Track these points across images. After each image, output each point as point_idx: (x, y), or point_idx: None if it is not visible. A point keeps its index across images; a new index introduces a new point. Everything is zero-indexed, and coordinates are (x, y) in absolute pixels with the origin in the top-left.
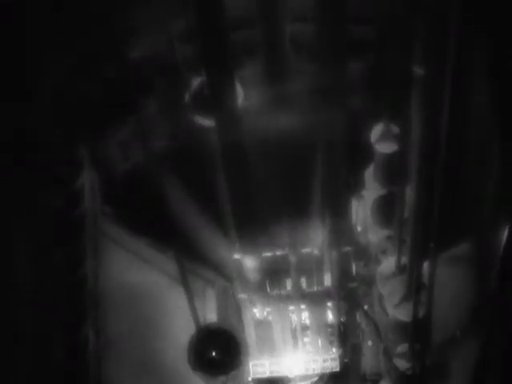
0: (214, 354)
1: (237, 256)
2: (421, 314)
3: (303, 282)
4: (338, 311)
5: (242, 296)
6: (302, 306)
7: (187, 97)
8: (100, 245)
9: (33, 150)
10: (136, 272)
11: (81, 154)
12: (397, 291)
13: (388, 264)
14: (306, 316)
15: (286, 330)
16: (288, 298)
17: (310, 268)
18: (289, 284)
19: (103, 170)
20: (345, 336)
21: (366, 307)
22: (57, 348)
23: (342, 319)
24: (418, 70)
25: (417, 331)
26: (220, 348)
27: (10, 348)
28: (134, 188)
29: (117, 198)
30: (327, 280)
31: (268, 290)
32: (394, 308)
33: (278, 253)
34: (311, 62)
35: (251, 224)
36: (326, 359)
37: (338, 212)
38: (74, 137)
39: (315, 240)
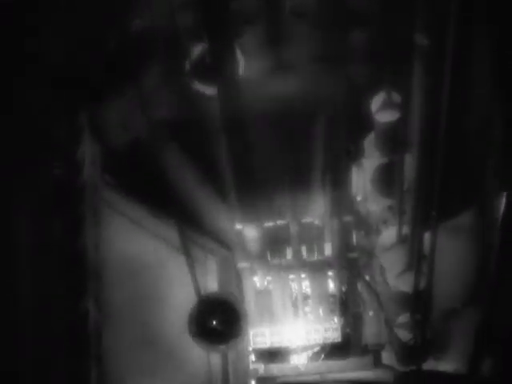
0: (214, 323)
1: (238, 225)
2: (422, 284)
3: (304, 251)
4: (339, 281)
5: (243, 265)
6: (303, 275)
7: (188, 65)
8: (100, 214)
9: (33, 119)
10: (137, 241)
11: (81, 123)
12: (398, 261)
13: (389, 234)
14: (306, 285)
15: (287, 299)
16: (289, 267)
17: (310, 237)
18: (289, 253)
19: (104, 139)
20: (346, 306)
21: (367, 277)
22: (57, 319)
23: (343, 289)
24: (420, 39)
25: (418, 301)
26: (220, 317)
27: (11, 318)
28: (135, 157)
29: (117, 167)
30: (328, 249)
31: (269, 259)
32: (395, 278)
33: (279, 222)
34: (312, 29)
35: (252, 193)
36: (328, 329)
37: (338, 181)
38: (75, 106)
39: (316, 210)
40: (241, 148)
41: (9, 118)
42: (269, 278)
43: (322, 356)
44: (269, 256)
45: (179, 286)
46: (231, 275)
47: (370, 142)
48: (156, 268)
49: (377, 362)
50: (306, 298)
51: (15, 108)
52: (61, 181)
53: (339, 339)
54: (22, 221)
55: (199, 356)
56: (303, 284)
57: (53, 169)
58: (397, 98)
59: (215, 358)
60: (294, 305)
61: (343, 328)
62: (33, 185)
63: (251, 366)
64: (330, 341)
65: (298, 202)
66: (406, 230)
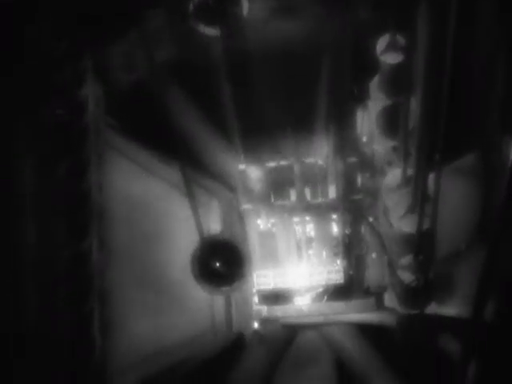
0: (217, 265)
1: (241, 166)
2: (425, 225)
3: (307, 192)
4: (342, 223)
5: (246, 207)
6: (307, 218)
7: (191, 6)
8: (104, 156)
9: (34, 58)
10: (140, 183)
11: (84, 64)
12: (402, 203)
13: (393, 175)
14: (310, 228)
15: (291, 241)
16: (292, 209)
17: (314, 179)
18: (293, 195)
19: (107, 81)
20: (349, 248)
21: (370, 219)
22: (59, 258)
23: (346, 231)
24: None
25: (421, 243)
26: (224, 259)
27: (13, 259)
28: (138, 99)
29: (121, 108)
30: (332, 191)
31: (272, 200)
32: (399, 220)
33: (283, 163)
34: None
35: (255, 134)
36: (331, 271)
37: (342, 122)
38: (78, 46)
39: (320, 150)
40: (244, 89)
41: (10, 60)
42: (272, 220)
43: (325, 298)
44: (272, 198)
45: (182, 227)
46: (234, 217)
47: (374, 84)
48: (159, 210)
49: (379, 305)
50: (309, 240)
51: (16, 50)
52: (63, 123)
53: (342, 281)
54: (25, 163)
55: (202, 297)
56: (307, 226)
57: (55, 111)
58: (401, 39)
59: (218, 300)
60: (298, 247)
61: (346, 270)
62: (35, 127)
63: (254, 308)
64: (332, 283)
65: (301, 143)
66: (410, 171)
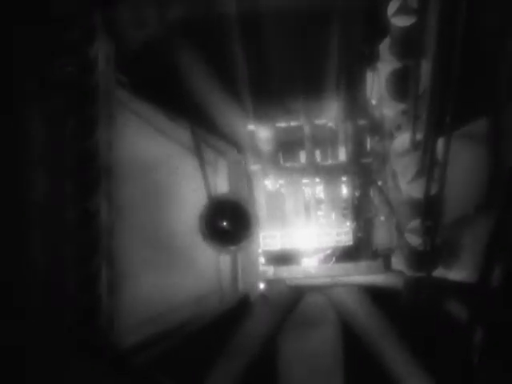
0: (224, 224)
1: (250, 126)
2: (433, 190)
3: (317, 154)
4: (352, 185)
5: (255, 167)
6: (316, 179)
7: None
8: (114, 113)
9: (45, 15)
10: (149, 141)
11: (95, 22)
12: (410, 167)
13: (402, 139)
14: (319, 189)
15: (299, 202)
16: (302, 171)
17: (324, 140)
18: (303, 156)
19: (118, 38)
20: (358, 210)
21: (379, 182)
22: (68, 216)
23: (355, 193)
24: None
25: (429, 207)
26: (231, 219)
27: (22, 216)
28: (149, 56)
29: (131, 66)
30: (342, 154)
31: (281, 161)
32: (407, 184)
33: (293, 124)
34: None
35: (265, 94)
36: (340, 233)
37: (352, 84)
38: (89, 3)
39: (330, 111)
40: (255, 49)
41: (21, 17)
42: (281, 181)
43: (333, 259)
44: (281, 159)
45: (191, 187)
46: (242, 177)
47: (385, 47)
48: (168, 169)
49: (387, 267)
50: (318, 202)
51: (27, 8)
52: (73, 80)
53: (350, 243)
54: (35, 121)
55: (209, 257)
56: (316, 188)
57: (65, 69)
58: (413, 2)
59: (225, 260)
60: (306, 208)
61: (355, 232)
62: (45, 85)
63: (261, 269)
64: (341, 244)
65: (311, 104)
66: (419, 135)
